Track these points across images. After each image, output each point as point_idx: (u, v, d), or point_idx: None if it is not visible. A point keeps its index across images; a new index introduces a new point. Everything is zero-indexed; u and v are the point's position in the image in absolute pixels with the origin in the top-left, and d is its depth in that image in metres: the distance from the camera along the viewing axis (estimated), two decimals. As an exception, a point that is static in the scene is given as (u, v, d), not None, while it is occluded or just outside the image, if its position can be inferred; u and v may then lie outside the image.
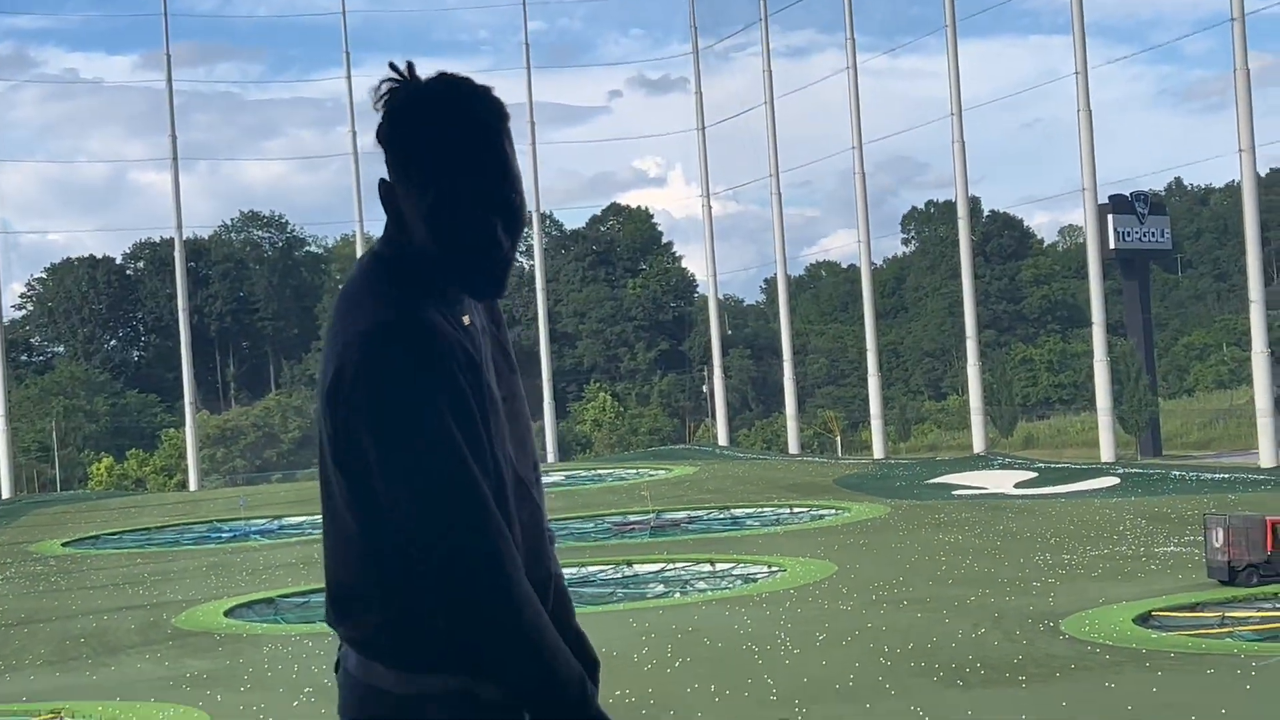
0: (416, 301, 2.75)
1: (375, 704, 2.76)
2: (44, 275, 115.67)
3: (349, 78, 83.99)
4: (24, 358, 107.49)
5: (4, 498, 75.36)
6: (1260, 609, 26.79)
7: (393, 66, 2.86)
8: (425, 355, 2.69)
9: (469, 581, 2.67)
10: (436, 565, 2.67)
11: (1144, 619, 25.61)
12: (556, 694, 2.71)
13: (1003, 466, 61.76)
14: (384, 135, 2.84)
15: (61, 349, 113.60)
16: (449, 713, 2.74)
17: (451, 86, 2.82)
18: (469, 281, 2.84)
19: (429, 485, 2.67)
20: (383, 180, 2.86)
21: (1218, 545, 29.06)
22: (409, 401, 2.67)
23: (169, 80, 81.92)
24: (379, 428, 2.66)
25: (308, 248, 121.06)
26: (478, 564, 2.67)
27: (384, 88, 2.83)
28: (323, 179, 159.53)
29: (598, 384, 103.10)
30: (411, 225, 2.83)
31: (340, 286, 2.96)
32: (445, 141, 2.78)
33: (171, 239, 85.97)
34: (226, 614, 33.10)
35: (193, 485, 78.94)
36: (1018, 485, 55.20)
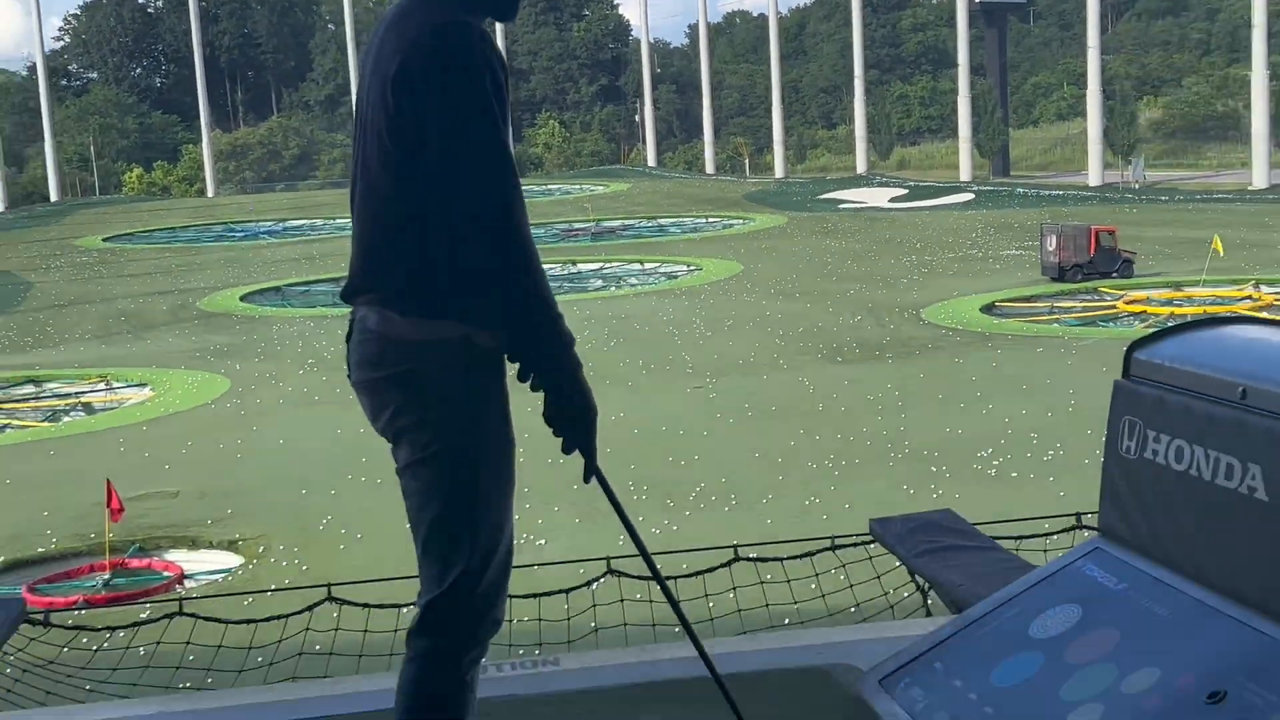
0: (461, 13, 2.76)
1: (394, 352, 2.79)
2: (78, 12, 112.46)
3: None
4: (64, 83, 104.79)
5: (53, 200, 74.40)
6: (1082, 300, 27.26)
7: None
8: (481, 51, 2.71)
9: (513, 235, 2.71)
10: (489, 223, 2.71)
11: (988, 308, 26.02)
12: (564, 336, 2.77)
13: (880, 185, 61.89)
14: None
15: (95, 75, 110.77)
16: (452, 355, 2.78)
17: None
18: (498, 6, 2.90)
19: (486, 158, 2.71)
20: None
21: (1050, 249, 29.39)
22: (471, 87, 2.68)
23: None
24: (445, 107, 2.69)
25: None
26: (520, 223, 2.73)
27: None
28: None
29: (548, 113, 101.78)
30: None
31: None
32: None
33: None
34: (242, 299, 33.15)
35: (210, 192, 78.18)
36: (892, 200, 55.40)
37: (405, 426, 2.80)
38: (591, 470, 2.89)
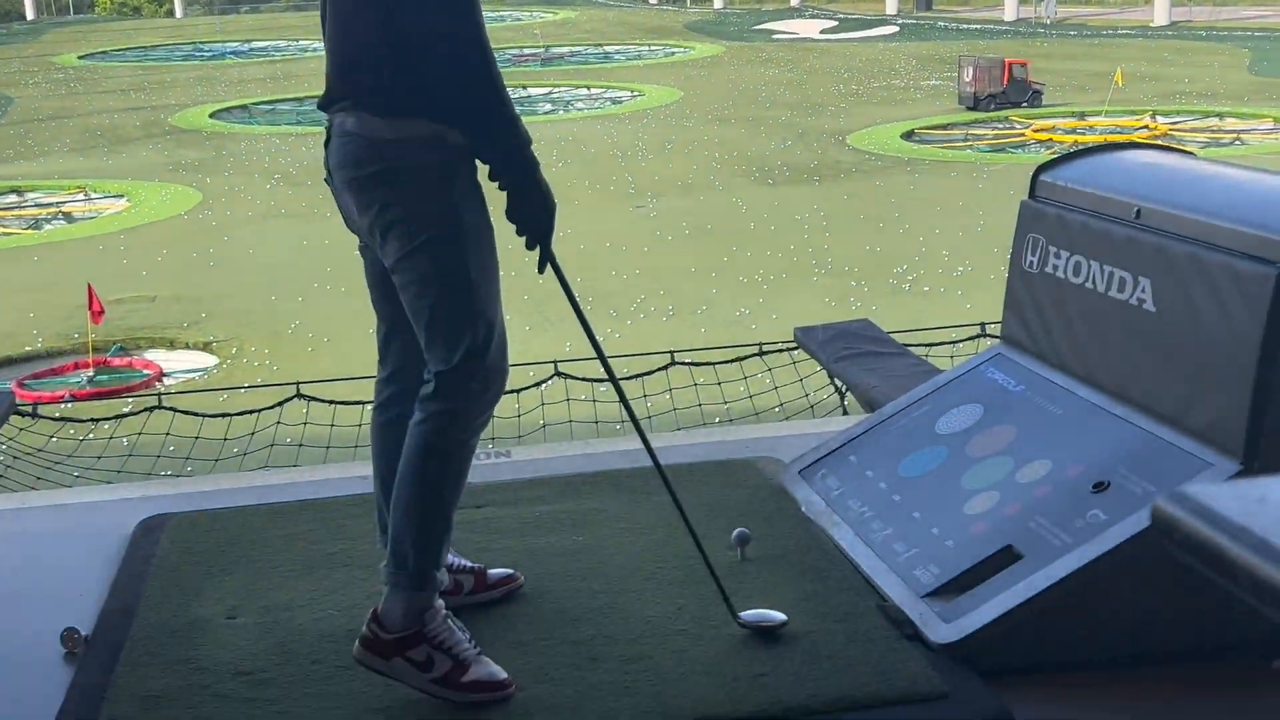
0: None
1: (374, 151, 2.76)
2: None
3: None
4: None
5: (30, 19, 72.11)
6: (994, 128, 27.18)
7: None
8: None
9: (472, 41, 2.69)
10: (447, 30, 2.68)
11: (908, 135, 25.92)
12: (521, 135, 2.78)
13: (812, 17, 60.89)
14: None
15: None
16: (426, 152, 2.75)
17: None
18: None
19: None
20: None
21: (967, 80, 29.17)
22: None
23: None
24: None
25: None
26: (478, 28, 2.71)
27: None
28: None
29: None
30: None
31: None
32: None
33: None
34: (211, 116, 32.41)
35: (178, 13, 75.82)
36: (822, 31, 54.59)
37: (391, 220, 2.78)
38: (546, 260, 2.89)
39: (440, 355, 2.78)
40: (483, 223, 2.83)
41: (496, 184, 2.80)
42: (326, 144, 2.87)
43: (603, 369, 3.15)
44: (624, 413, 3.17)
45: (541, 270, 2.91)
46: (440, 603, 2.82)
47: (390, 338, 3.05)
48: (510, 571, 3.28)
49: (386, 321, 3.04)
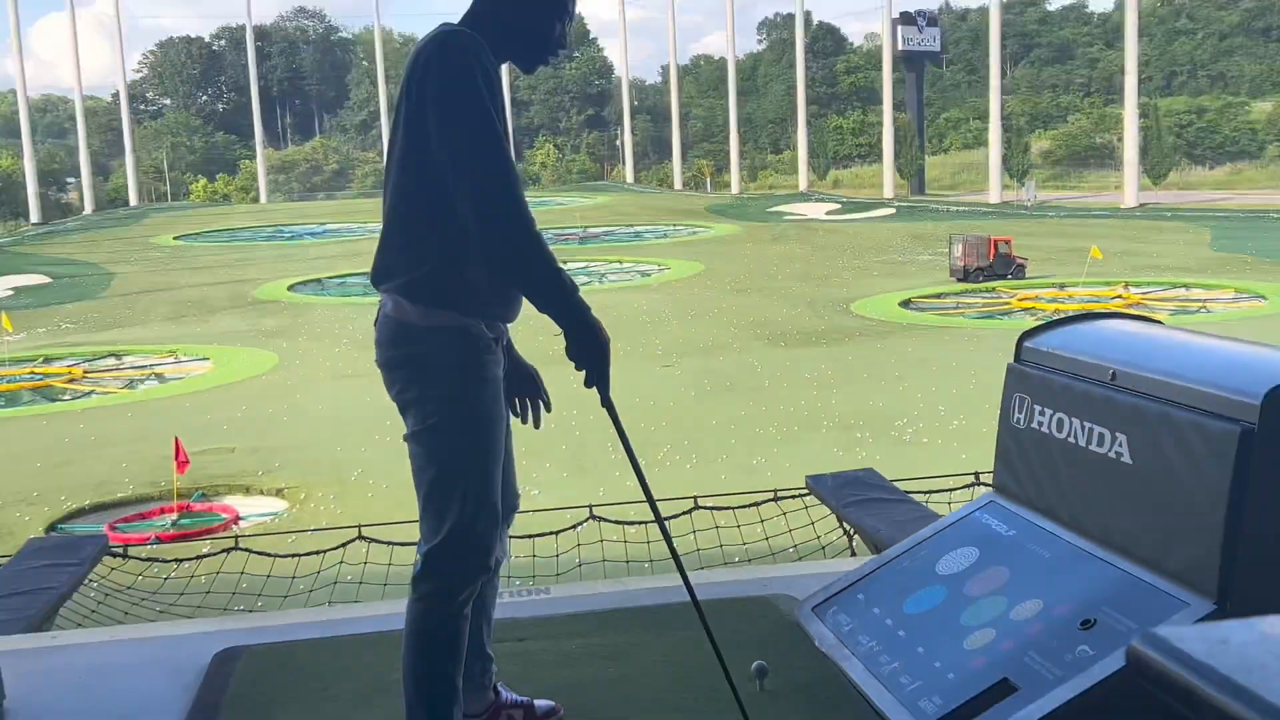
0: (477, 38, 2.74)
1: (404, 335, 2.78)
2: (155, 49, 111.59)
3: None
4: (142, 108, 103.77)
5: (132, 205, 73.92)
6: (983, 298, 27.34)
7: None
8: (478, 60, 2.67)
9: (510, 207, 2.67)
10: (486, 196, 2.65)
11: (905, 303, 26.09)
12: (565, 285, 2.77)
13: (818, 200, 61.86)
14: None
15: (168, 101, 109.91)
16: (451, 339, 2.77)
17: None
18: (527, 61, 2.87)
19: (479, 128, 2.65)
20: None
21: (957, 255, 29.46)
22: (463, 80, 2.65)
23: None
24: (441, 97, 2.65)
25: (340, 34, 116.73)
26: (515, 194, 2.68)
27: None
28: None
29: (544, 138, 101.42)
30: (499, 13, 2.79)
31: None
32: None
33: (244, 25, 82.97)
34: (289, 289, 32.98)
35: (263, 199, 77.66)
36: (827, 213, 55.42)
37: (410, 400, 2.79)
38: (605, 400, 2.90)
39: (429, 529, 2.79)
40: (492, 412, 2.82)
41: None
42: (375, 321, 2.92)
43: (648, 506, 3.13)
44: (666, 546, 3.15)
45: (604, 404, 2.90)
46: None
47: None
48: (553, 704, 3.23)
49: None
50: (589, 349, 2.83)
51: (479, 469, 2.79)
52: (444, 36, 2.69)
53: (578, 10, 2.93)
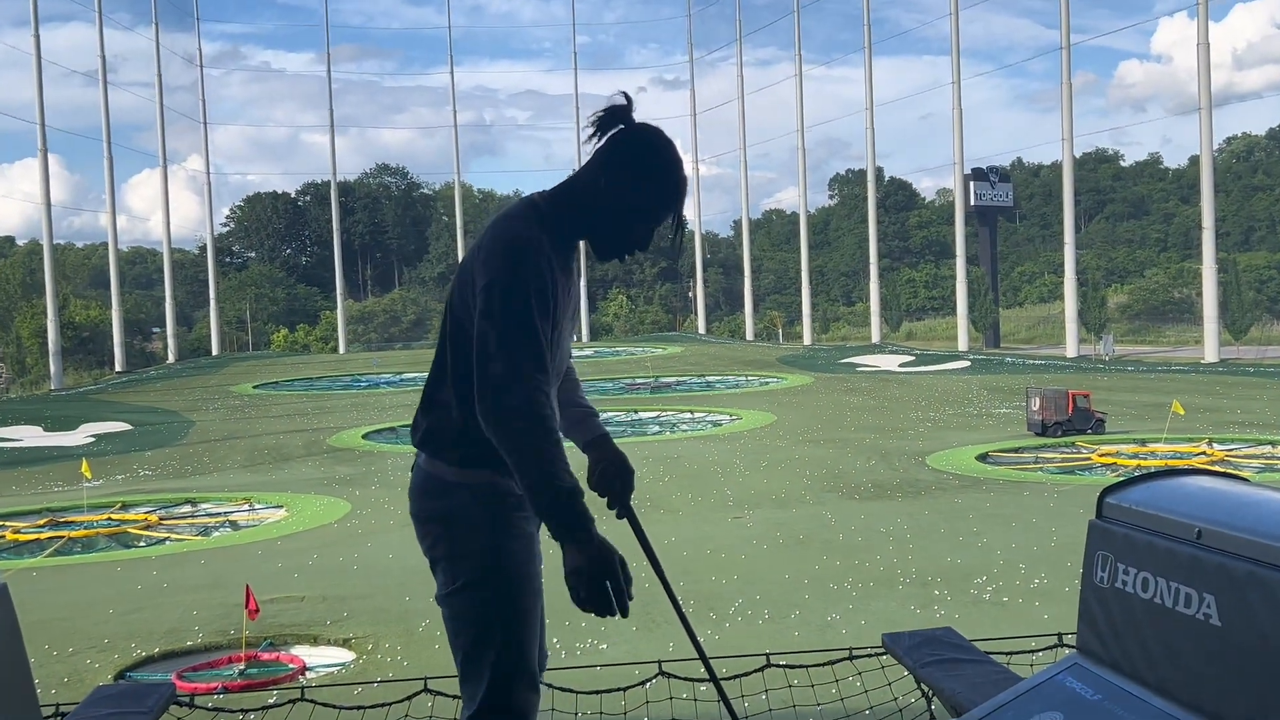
0: (543, 236, 2.76)
1: (434, 488, 2.80)
2: (242, 204, 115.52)
3: (452, 72, 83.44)
4: (227, 260, 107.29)
5: (215, 354, 75.78)
6: (1062, 453, 26.91)
7: (625, 95, 2.84)
8: (534, 259, 2.70)
9: (513, 398, 2.65)
10: (494, 372, 2.64)
11: (983, 457, 25.75)
12: (555, 490, 2.66)
13: (891, 352, 61.84)
14: (621, 143, 2.78)
15: (253, 254, 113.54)
16: (479, 495, 2.77)
17: (672, 144, 2.82)
18: (607, 252, 2.89)
19: (512, 323, 2.66)
20: (606, 162, 2.81)
21: (1035, 409, 29.15)
22: (511, 275, 2.68)
23: (329, 71, 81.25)
24: (489, 287, 2.68)
25: (421, 190, 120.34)
26: (522, 383, 2.65)
27: (619, 105, 2.81)
28: (433, 144, 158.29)
29: (617, 289, 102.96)
30: (586, 198, 2.80)
31: (492, 220, 2.95)
32: (663, 186, 2.80)
33: (328, 181, 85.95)
34: (364, 437, 33.39)
35: (341, 350, 79.33)
36: (901, 365, 55.30)
37: (438, 557, 2.79)
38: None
39: (468, 694, 2.75)
40: (527, 569, 2.79)
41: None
42: (413, 469, 2.92)
43: (704, 668, 3.09)
44: (723, 708, 3.08)
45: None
46: None
47: None
48: None
49: None
50: (584, 576, 2.59)
51: (513, 630, 2.76)
52: (503, 232, 2.72)
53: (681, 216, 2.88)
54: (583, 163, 2.90)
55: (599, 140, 2.80)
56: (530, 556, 2.82)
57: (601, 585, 2.61)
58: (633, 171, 2.77)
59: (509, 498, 2.76)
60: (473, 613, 2.74)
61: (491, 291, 2.64)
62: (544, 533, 2.85)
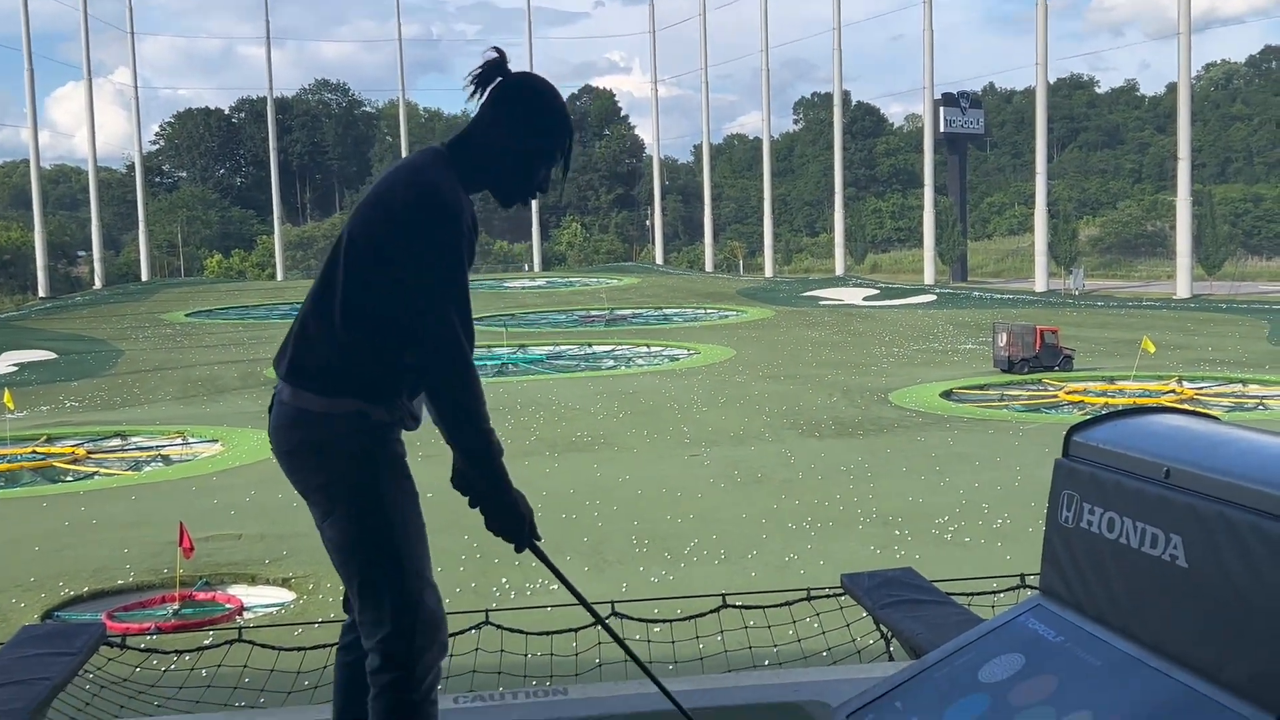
0: (457, 184, 2.84)
1: (302, 421, 2.85)
2: (172, 120, 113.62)
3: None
4: (157, 180, 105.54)
5: (143, 280, 74.88)
6: (1028, 390, 27.24)
7: (497, 49, 3.02)
8: (455, 209, 2.77)
9: (450, 349, 2.79)
10: (435, 333, 2.78)
11: (947, 394, 26.01)
12: (489, 440, 2.85)
13: (855, 285, 62.09)
14: (507, 94, 2.97)
15: (184, 174, 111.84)
16: (348, 425, 2.82)
17: (558, 94, 3.02)
18: (507, 197, 3.05)
19: (449, 286, 2.79)
20: (492, 115, 2.97)
21: (1001, 345, 29.43)
22: (442, 230, 2.76)
23: (265, -20, 79.74)
24: (422, 240, 2.76)
25: (363, 108, 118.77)
26: (458, 343, 2.80)
27: (492, 60, 2.98)
28: (377, 59, 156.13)
29: (571, 217, 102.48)
30: (485, 146, 2.96)
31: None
32: (555, 129, 2.98)
33: (264, 97, 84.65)
34: (303, 369, 33.16)
35: (279, 277, 78.56)
36: (865, 298, 55.55)
37: (314, 486, 2.86)
38: (521, 549, 3.00)
39: (372, 618, 2.80)
40: (403, 490, 2.88)
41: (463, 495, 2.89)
42: (269, 409, 2.96)
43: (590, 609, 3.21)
44: (627, 652, 3.13)
45: (519, 550, 3.01)
46: None
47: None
48: None
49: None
50: (503, 521, 2.88)
51: (402, 552, 2.86)
52: (429, 192, 2.83)
53: (574, 150, 3.06)
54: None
55: (480, 95, 2.98)
56: (405, 475, 2.90)
57: (516, 515, 2.88)
58: (525, 118, 2.95)
59: (378, 425, 2.82)
60: (362, 540, 2.83)
61: (435, 259, 2.78)
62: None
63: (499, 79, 2.97)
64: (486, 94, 2.96)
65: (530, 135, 2.94)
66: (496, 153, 2.94)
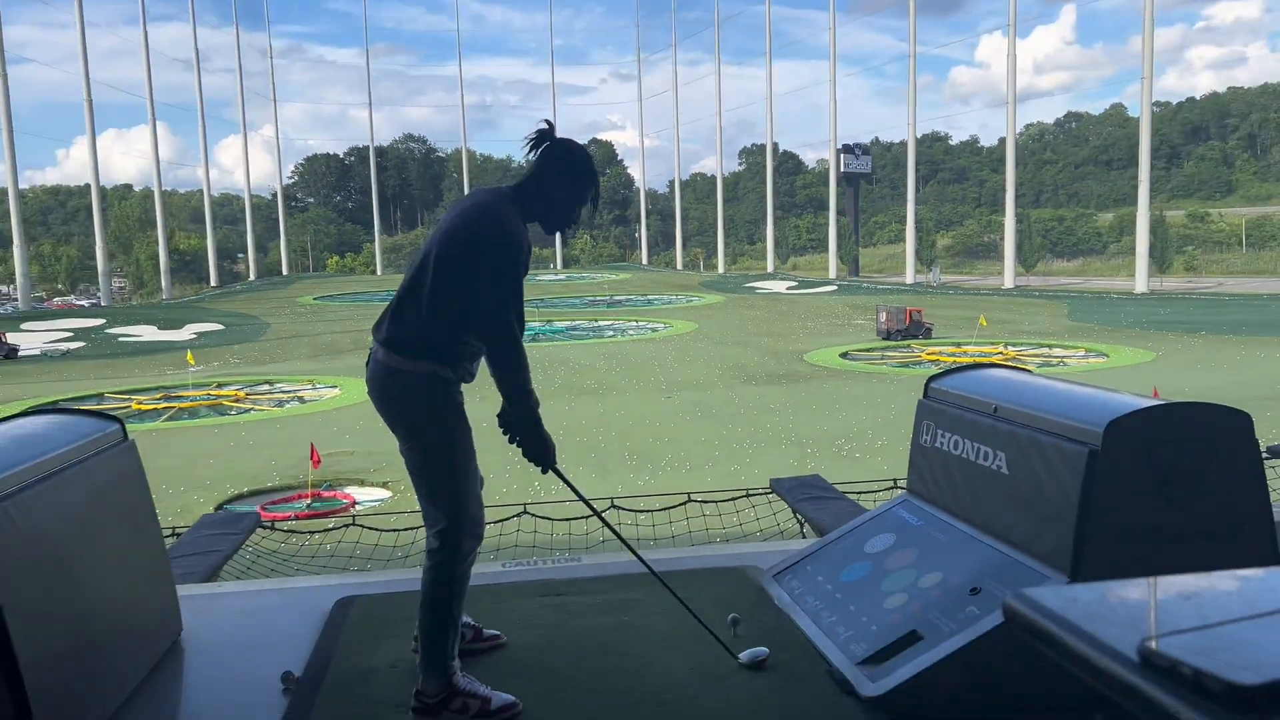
0: (519, 217, 2.82)
1: (390, 376, 2.84)
2: (303, 162, 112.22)
3: (460, 65, 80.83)
4: (293, 204, 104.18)
5: (285, 274, 74.44)
6: (900, 352, 27.24)
7: (547, 121, 2.97)
8: (517, 238, 2.75)
9: (508, 335, 2.75)
10: (496, 324, 2.74)
11: (845, 355, 26.02)
12: (530, 398, 2.81)
13: (781, 279, 61.92)
14: (555, 153, 2.91)
15: (312, 200, 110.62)
16: (424, 380, 2.81)
17: (589, 156, 2.95)
18: (551, 227, 2.96)
19: (509, 292, 2.74)
20: (542, 168, 2.90)
21: (882, 320, 29.43)
22: (506, 253, 2.75)
23: (368, 62, 78.73)
24: (493, 260, 2.78)
25: (437, 154, 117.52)
26: (514, 331, 2.76)
27: (544, 129, 2.95)
28: (446, 119, 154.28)
29: (582, 231, 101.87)
30: (537, 190, 2.90)
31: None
32: (586, 181, 2.92)
33: (368, 146, 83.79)
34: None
35: (378, 272, 78.11)
36: (788, 288, 55.43)
37: (396, 421, 2.88)
38: (546, 471, 2.94)
39: (434, 518, 2.83)
40: (461, 433, 2.87)
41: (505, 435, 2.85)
42: (367, 363, 2.95)
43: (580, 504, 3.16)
44: (614, 533, 3.14)
45: (544, 472, 2.94)
46: (458, 664, 2.82)
47: None
48: (496, 630, 3.35)
49: None
50: (535, 451, 2.88)
51: (456, 475, 2.85)
52: (499, 223, 2.78)
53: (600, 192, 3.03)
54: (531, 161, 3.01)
55: (535, 152, 2.94)
56: (462, 416, 2.89)
57: (546, 448, 2.87)
58: (565, 172, 2.91)
59: (445, 381, 2.82)
60: (428, 461, 2.84)
61: (501, 273, 2.74)
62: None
63: (548, 142, 2.92)
64: (539, 151, 2.92)
65: (569, 185, 2.90)
66: (545, 195, 2.89)
